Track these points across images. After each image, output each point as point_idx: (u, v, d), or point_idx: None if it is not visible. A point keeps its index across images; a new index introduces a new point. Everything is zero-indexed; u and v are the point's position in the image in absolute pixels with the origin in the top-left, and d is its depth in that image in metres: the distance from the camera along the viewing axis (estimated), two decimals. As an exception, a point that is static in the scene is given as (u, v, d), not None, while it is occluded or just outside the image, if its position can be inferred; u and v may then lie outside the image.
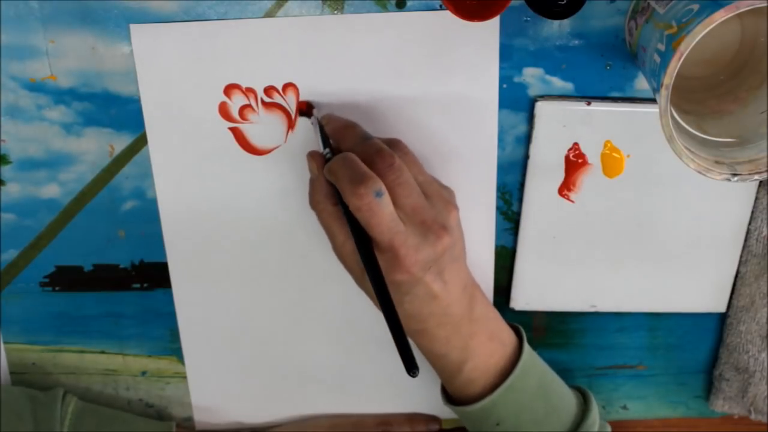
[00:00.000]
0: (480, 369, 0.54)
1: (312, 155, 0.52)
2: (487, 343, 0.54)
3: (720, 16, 0.40)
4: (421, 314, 0.51)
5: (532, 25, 0.53)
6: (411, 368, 0.44)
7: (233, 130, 0.56)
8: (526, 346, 0.56)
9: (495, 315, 0.56)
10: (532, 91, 0.55)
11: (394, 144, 0.51)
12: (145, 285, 0.61)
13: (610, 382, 0.67)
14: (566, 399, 0.57)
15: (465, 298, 0.53)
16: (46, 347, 0.63)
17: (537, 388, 0.55)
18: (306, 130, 0.56)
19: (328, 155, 0.51)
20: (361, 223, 0.48)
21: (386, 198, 0.47)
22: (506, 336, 0.56)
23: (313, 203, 0.51)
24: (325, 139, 0.52)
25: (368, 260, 0.47)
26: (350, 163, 0.48)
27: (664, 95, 0.43)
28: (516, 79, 0.55)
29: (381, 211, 0.47)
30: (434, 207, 0.50)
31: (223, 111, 0.55)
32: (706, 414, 0.68)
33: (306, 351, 0.64)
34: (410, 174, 0.49)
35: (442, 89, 0.54)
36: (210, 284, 0.61)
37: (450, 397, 0.57)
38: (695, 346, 0.65)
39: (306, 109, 0.55)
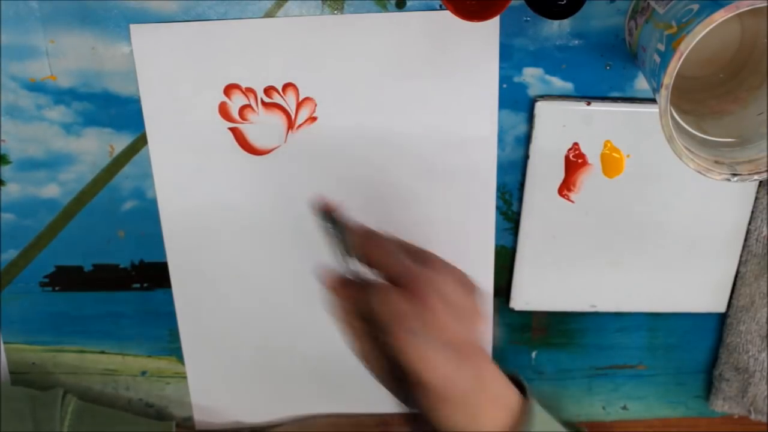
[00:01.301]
0: None
1: (335, 284, 0.49)
2: (495, 413, 0.51)
3: (720, 16, 0.40)
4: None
5: (532, 25, 0.53)
6: None
7: (233, 130, 0.56)
8: (533, 412, 0.52)
9: (500, 378, 0.52)
10: (532, 91, 0.55)
11: (426, 260, 0.49)
12: (145, 285, 0.61)
13: (610, 382, 0.67)
14: None
15: (478, 376, 0.50)
16: (46, 347, 0.63)
17: None
18: (306, 131, 0.56)
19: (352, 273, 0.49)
20: (400, 358, 0.46)
21: (426, 335, 0.46)
22: (511, 398, 0.52)
23: (338, 318, 0.50)
24: (347, 247, 0.49)
25: (405, 396, 0.47)
26: (394, 299, 0.46)
27: (664, 95, 0.43)
28: (516, 79, 0.55)
29: (424, 350, 0.46)
30: (463, 324, 0.49)
31: (223, 111, 0.55)
32: (706, 414, 0.68)
33: (306, 351, 0.64)
34: (443, 298, 0.47)
35: (442, 89, 0.54)
36: (210, 284, 0.61)
37: None
38: (695, 346, 0.65)
39: (326, 211, 0.50)
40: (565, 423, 0.56)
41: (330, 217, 0.50)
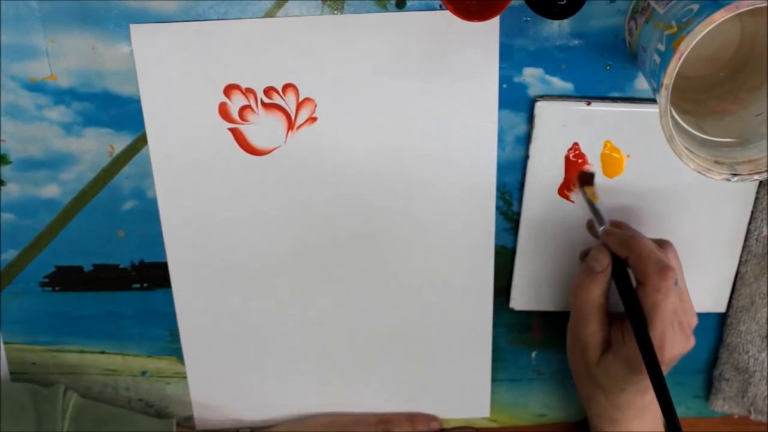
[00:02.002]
0: None
1: (602, 252, 0.53)
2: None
3: (720, 16, 0.40)
4: (634, 404, 0.54)
5: (532, 25, 0.53)
6: None
7: (233, 130, 0.56)
8: None
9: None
10: (532, 91, 0.55)
11: (666, 247, 0.54)
12: (145, 285, 0.61)
13: (610, 382, 0.67)
14: None
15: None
16: (46, 347, 0.63)
17: None
18: (306, 131, 0.56)
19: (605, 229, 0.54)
20: (647, 306, 0.50)
21: (678, 290, 0.51)
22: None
23: (585, 292, 0.53)
24: (601, 216, 0.54)
25: (644, 341, 0.50)
26: (653, 247, 0.52)
27: (664, 95, 0.43)
28: (516, 79, 0.55)
29: (672, 300, 0.50)
30: (685, 307, 0.53)
31: (223, 112, 0.55)
32: (706, 414, 0.68)
33: (306, 350, 0.64)
34: (681, 276, 0.53)
35: (442, 89, 0.54)
36: (210, 284, 0.61)
37: None
38: (695, 346, 0.65)
39: (584, 179, 0.56)
40: None
41: (584, 187, 0.56)
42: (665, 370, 0.51)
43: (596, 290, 0.53)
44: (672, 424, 0.47)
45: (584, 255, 0.57)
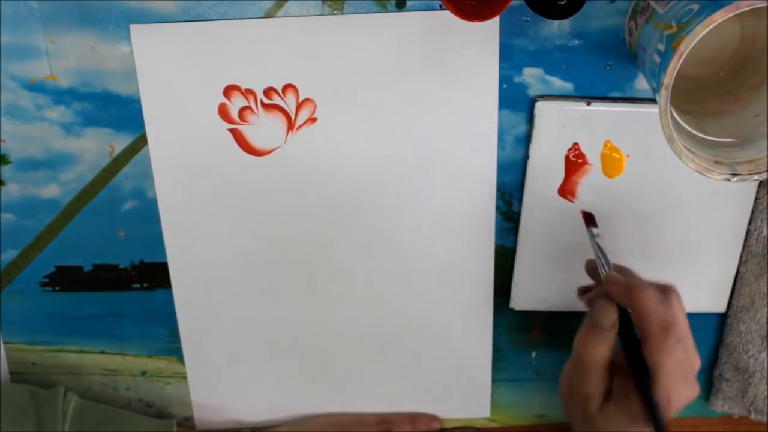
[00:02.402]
0: None
1: (610, 307, 0.52)
2: None
3: (720, 16, 0.40)
4: None
5: (532, 25, 0.53)
6: None
7: (233, 131, 0.56)
8: None
9: None
10: (532, 91, 0.55)
11: (669, 294, 0.52)
12: (145, 285, 0.61)
13: (610, 382, 0.67)
14: None
15: None
16: (46, 347, 0.63)
17: None
18: (306, 132, 0.56)
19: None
20: (651, 364, 0.49)
21: (682, 347, 0.50)
22: None
23: (596, 350, 0.52)
24: (607, 259, 0.54)
25: (649, 402, 0.49)
26: (657, 306, 0.50)
27: (664, 95, 0.43)
28: (516, 79, 0.55)
29: (676, 356, 0.49)
30: (690, 357, 0.52)
31: (223, 112, 0.55)
32: (706, 414, 0.68)
33: (306, 351, 0.64)
34: (686, 324, 0.52)
35: (442, 89, 0.54)
36: (210, 284, 0.61)
37: None
38: (695, 346, 0.65)
39: (588, 219, 0.56)
40: None
41: (590, 226, 0.56)
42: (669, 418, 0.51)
43: (603, 347, 0.52)
44: None
45: (583, 291, 0.57)
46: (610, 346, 0.52)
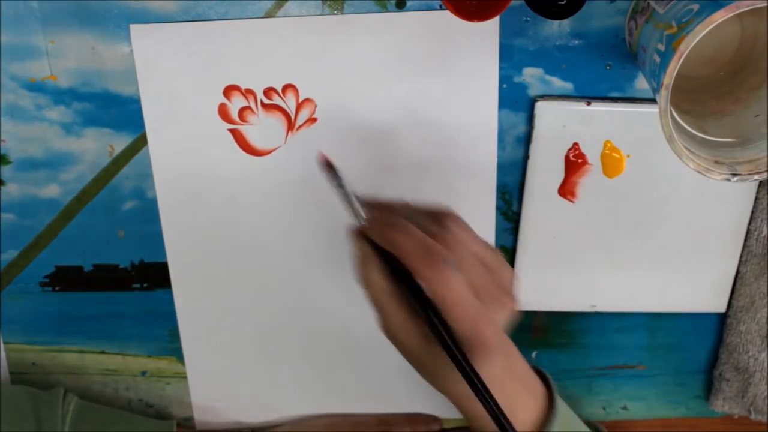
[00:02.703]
0: (518, 426, 0.48)
1: (358, 233, 0.47)
2: (524, 398, 0.50)
3: (720, 16, 0.40)
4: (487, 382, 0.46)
5: (532, 25, 0.53)
6: None
7: (233, 131, 0.56)
8: (558, 400, 0.51)
9: (525, 364, 0.51)
10: (532, 91, 0.55)
11: (442, 218, 0.48)
12: (145, 285, 0.61)
13: (610, 382, 0.67)
14: None
15: (508, 355, 0.49)
16: (46, 347, 0.63)
17: None
18: (306, 132, 0.56)
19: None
20: (434, 298, 0.44)
21: (458, 270, 0.44)
22: (536, 386, 0.51)
23: (367, 282, 0.47)
24: (359, 206, 0.48)
25: (446, 342, 0.44)
26: (414, 233, 0.44)
27: (664, 95, 0.43)
28: (516, 79, 0.55)
29: (458, 285, 0.44)
30: (493, 273, 0.48)
31: (223, 113, 0.55)
32: (706, 414, 0.68)
33: (306, 351, 0.64)
34: (469, 245, 0.47)
35: (442, 89, 0.54)
36: (210, 284, 0.61)
37: None
38: (695, 346, 0.65)
39: (327, 166, 0.49)
40: (582, 420, 0.57)
41: (333, 174, 0.48)
42: (499, 344, 0.46)
43: (373, 276, 0.46)
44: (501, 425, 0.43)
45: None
46: (378, 269, 0.46)
